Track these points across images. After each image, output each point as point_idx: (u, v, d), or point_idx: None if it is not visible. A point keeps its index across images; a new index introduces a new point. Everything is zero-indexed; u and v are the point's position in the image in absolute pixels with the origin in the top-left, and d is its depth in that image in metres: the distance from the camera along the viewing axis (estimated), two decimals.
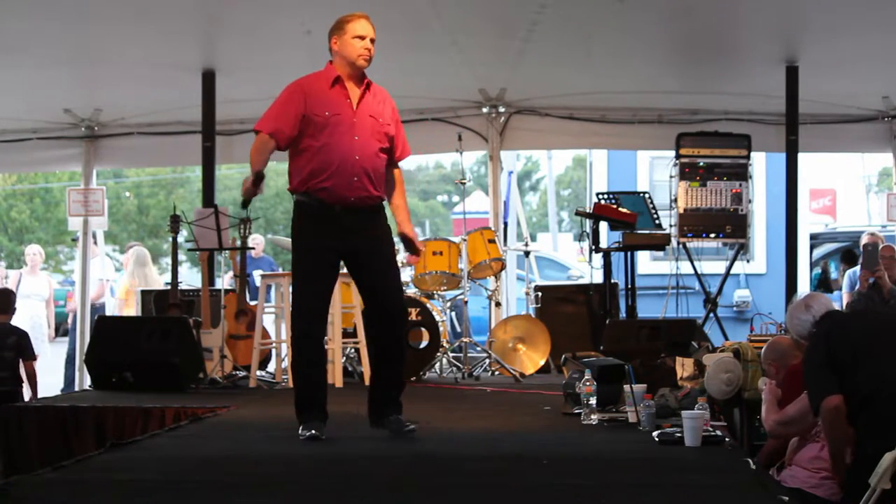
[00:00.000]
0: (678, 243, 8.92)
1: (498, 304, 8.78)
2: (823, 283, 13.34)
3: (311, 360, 4.96)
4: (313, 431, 4.84)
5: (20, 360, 7.34)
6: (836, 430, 4.26)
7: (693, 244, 9.02)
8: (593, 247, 8.81)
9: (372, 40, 4.91)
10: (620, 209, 8.69)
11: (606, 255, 8.78)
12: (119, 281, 10.91)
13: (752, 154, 9.03)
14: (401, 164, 5.24)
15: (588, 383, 5.24)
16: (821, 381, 4.30)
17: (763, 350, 5.39)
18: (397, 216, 5.17)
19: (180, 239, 7.91)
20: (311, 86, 4.93)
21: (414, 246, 5.20)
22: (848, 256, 12.60)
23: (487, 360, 8.18)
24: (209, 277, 8.35)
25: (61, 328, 13.38)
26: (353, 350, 7.95)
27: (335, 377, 7.26)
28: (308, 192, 4.86)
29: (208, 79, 8.75)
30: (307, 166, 4.85)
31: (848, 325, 4.51)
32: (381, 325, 5.02)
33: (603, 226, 9.07)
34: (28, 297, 10.56)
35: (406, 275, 8.06)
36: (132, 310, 10.06)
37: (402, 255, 6.92)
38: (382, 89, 5.07)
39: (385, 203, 5.10)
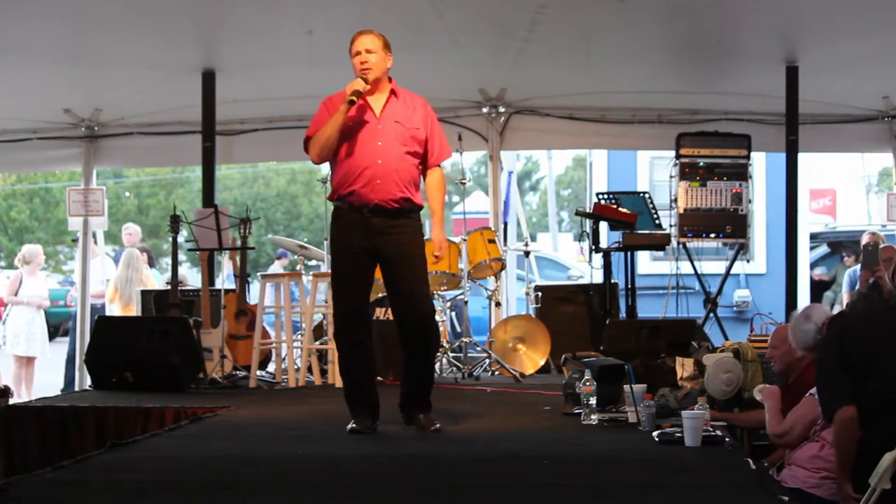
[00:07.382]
0: (678, 243, 8.91)
1: (498, 304, 8.77)
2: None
3: (350, 357, 5.23)
4: (355, 426, 5.08)
5: None
6: (846, 441, 4.20)
7: (693, 244, 9.01)
8: (593, 247, 8.80)
9: (367, 51, 5.13)
10: (620, 209, 8.69)
11: (606, 255, 8.78)
12: (110, 281, 10.94)
13: (752, 154, 9.02)
14: None
15: (588, 383, 5.24)
16: (835, 388, 4.26)
17: (771, 334, 5.38)
18: (431, 220, 5.46)
19: (180, 239, 7.91)
20: (337, 98, 5.19)
21: (436, 251, 5.42)
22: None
23: (487, 360, 8.17)
24: (209, 277, 8.35)
25: (61, 328, 13.39)
26: None
27: (334, 377, 7.27)
28: (341, 198, 5.18)
29: (208, 79, 8.74)
30: (338, 174, 5.18)
31: (861, 328, 4.40)
32: (406, 324, 5.24)
33: (603, 226, 9.07)
34: (28, 299, 10.57)
35: None
36: (117, 309, 10.11)
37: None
38: (416, 97, 5.33)
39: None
